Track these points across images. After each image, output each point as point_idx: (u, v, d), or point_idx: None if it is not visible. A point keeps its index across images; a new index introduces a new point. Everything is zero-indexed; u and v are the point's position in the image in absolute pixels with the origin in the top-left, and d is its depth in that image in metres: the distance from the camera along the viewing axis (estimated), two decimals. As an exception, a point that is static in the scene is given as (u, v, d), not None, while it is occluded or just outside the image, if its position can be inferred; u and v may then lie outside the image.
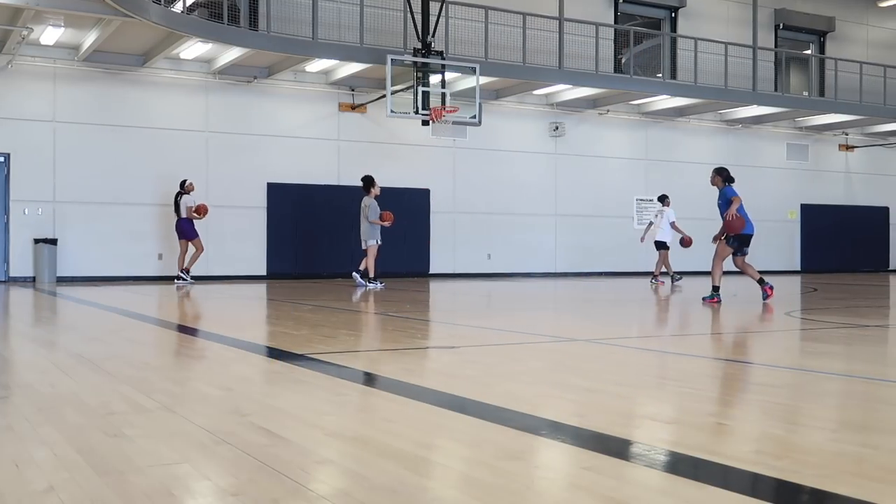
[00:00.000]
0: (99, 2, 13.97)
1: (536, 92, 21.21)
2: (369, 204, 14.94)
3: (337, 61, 18.17)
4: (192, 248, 16.72)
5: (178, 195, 16.59)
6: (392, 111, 17.39)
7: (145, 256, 17.83)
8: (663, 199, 17.77)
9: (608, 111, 22.56)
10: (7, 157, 16.94)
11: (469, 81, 18.08)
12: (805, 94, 25.70)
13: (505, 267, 21.42)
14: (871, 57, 25.85)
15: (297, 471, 2.63)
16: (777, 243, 24.63)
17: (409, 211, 19.46)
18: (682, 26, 23.54)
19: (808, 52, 26.31)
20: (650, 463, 2.78)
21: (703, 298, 11.15)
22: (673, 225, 17.13)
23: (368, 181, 15.06)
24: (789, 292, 14.47)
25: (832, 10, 26.02)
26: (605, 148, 22.76)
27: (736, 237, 11.13)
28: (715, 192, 11.36)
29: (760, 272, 11.53)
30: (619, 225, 22.88)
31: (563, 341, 6.85)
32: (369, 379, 4.73)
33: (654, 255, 17.90)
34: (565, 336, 7.37)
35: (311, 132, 19.42)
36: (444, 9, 18.06)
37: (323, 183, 19.39)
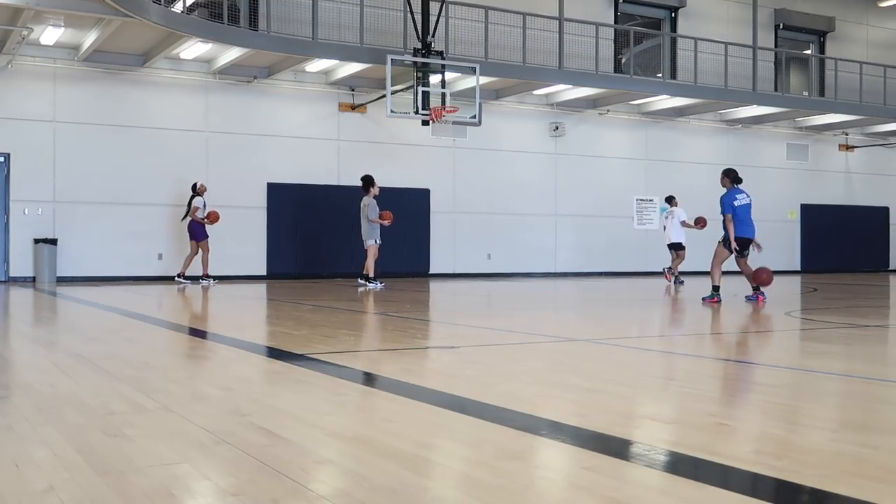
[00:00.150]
0: (99, 2, 13.97)
1: (536, 92, 21.21)
2: (368, 203, 14.94)
3: (337, 61, 18.17)
4: (201, 251, 16.68)
5: (191, 197, 16.58)
6: (392, 111, 17.39)
7: (145, 256, 17.83)
8: (670, 200, 17.75)
9: (608, 111, 22.56)
10: (7, 157, 16.93)
11: (469, 81, 18.08)
12: (805, 94, 25.70)
13: (505, 267, 21.42)
14: (871, 57, 25.85)
15: (297, 471, 2.63)
16: (777, 243, 24.60)
17: (409, 211, 19.45)
18: (682, 26, 23.54)
19: (808, 52, 26.32)
20: (650, 463, 2.78)
21: (703, 298, 11.15)
22: (684, 223, 17.13)
23: (368, 181, 15.06)
24: (789, 292, 14.46)
25: (832, 10, 26.02)
26: (605, 148, 22.76)
27: (736, 241, 11.13)
28: (719, 192, 11.38)
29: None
30: (619, 225, 22.89)
31: (563, 341, 6.85)
32: (369, 379, 4.73)
33: (666, 257, 17.88)
34: (565, 336, 7.37)
35: (311, 132, 19.42)
36: (444, 9, 18.06)
37: (323, 183, 19.39)
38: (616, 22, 22.66)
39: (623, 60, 22.70)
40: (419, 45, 17.68)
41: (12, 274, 16.90)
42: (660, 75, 23.02)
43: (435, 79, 17.61)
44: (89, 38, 16.20)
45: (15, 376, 4.78)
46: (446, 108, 17.42)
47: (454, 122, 18.26)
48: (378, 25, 18.58)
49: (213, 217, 16.41)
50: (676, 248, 17.19)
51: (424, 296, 13.59)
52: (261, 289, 15.00)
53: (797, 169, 25.72)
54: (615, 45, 22.43)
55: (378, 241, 14.97)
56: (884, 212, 27.26)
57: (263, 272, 18.85)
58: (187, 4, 16.01)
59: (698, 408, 3.82)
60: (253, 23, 18.25)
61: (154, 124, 17.98)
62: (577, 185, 22.35)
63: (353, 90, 19.63)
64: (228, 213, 18.20)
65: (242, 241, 18.58)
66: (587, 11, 21.49)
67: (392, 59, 17.13)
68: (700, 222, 16.74)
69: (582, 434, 3.18)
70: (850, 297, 13.52)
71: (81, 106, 17.41)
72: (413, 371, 5.08)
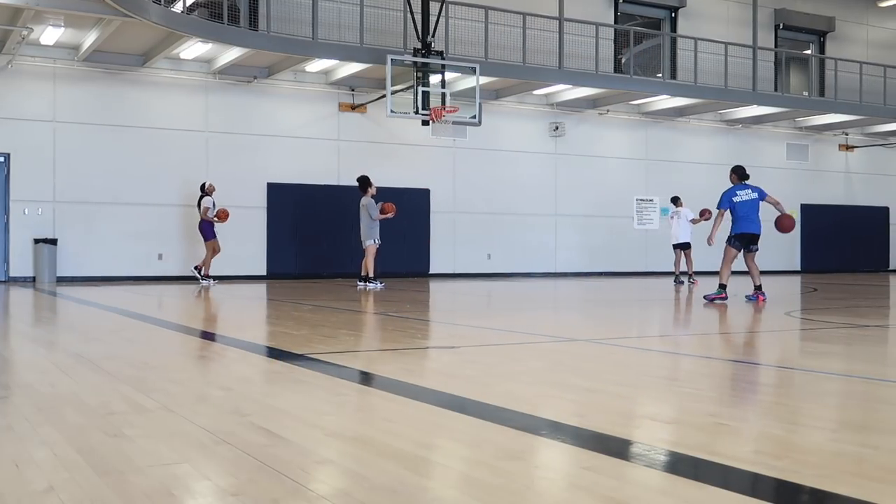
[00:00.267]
0: (99, 2, 13.97)
1: (536, 92, 21.21)
2: (367, 203, 14.95)
3: (337, 61, 18.17)
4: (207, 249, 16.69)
5: (200, 197, 16.59)
6: (392, 111, 17.39)
7: (145, 256, 17.83)
8: (676, 201, 17.77)
9: (608, 111, 22.56)
10: (7, 157, 16.94)
11: (469, 81, 18.09)
12: (805, 94, 25.70)
13: (505, 267, 21.43)
14: (871, 57, 25.85)
15: (297, 471, 2.63)
16: (777, 243, 24.48)
17: (409, 211, 19.46)
18: (682, 26, 23.54)
19: (808, 52, 26.32)
20: (650, 463, 2.78)
21: (705, 297, 11.15)
22: (694, 221, 17.17)
23: (364, 181, 15.07)
24: (789, 292, 14.46)
25: (832, 10, 26.03)
26: (605, 148, 22.76)
27: (737, 237, 11.13)
28: (719, 191, 11.38)
29: (762, 272, 11.53)
30: (619, 225, 22.90)
31: (563, 341, 6.85)
32: (369, 379, 4.73)
33: (666, 257, 17.88)
34: (565, 336, 7.37)
35: (311, 132, 19.43)
36: (444, 9, 18.06)
37: (323, 183, 19.39)
38: (616, 22, 22.66)
39: (623, 60, 22.70)
40: (419, 45, 17.69)
41: (12, 274, 16.91)
42: (660, 75, 23.03)
43: (435, 79, 17.61)
44: (89, 38, 16.20)
45: (15, 376, 4.78)
46: (446, 108, 17.43)
47: (454, 122, 18.27)
48: (378, 25, 18.58)
49: (223, 215, 16.43)
50: (684, 247, 17.27)
51: (424, 296, 13.59)
52: (261, 289, 15.00)
53: (797, 169, 25.72)
54: (615, 45, 22.44)
55: (377, 242, 14.95)
56: (884, 212, 27.26)
57: (263, 272, 18.85)
58: (187, 4, 16.01)
59: (698, 408, 3.82)
60: (253, 23, 18.25)
61: (154, 124, 17.99)
62: (577, 185, 22.35)
63: (353, 90, 19.64)
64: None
65: (242, 241, 18.58)
66: (587, 11, 21.49)
67: (392, 59, 17.13)
68: (705, 213, 16.69)
69: (582, 434, 3.18)
70: (850, 297, 13.52)
71: (81, 106, 17.42)
72: (413, 371, 5.08)
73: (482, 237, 21.20)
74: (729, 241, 11.18)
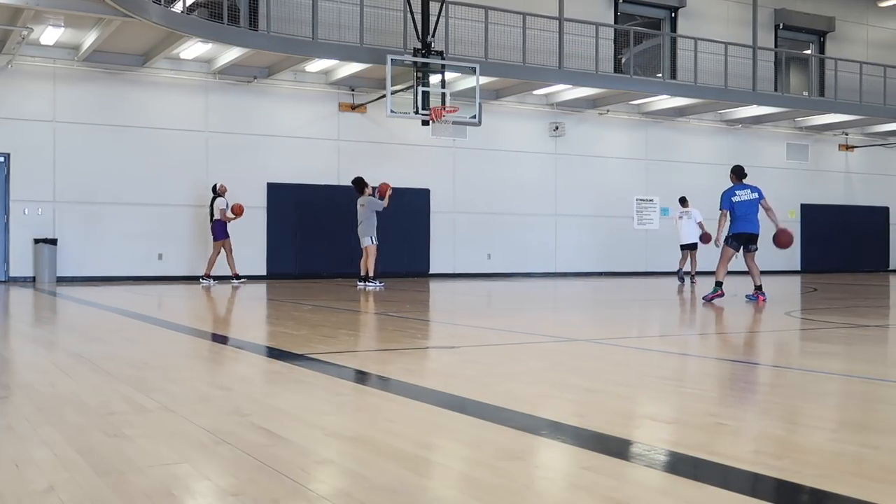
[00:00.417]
0: (99, 2, 13.97)
1: (536, 92, 21.21)
2: (367, 202, 14.95)
3: (337, 61, 18.17)
4: (223, 251, 16.68)
5: (213, 199, 16.59)
6: (392, 111, 17.39)
7: (145, 256, 17.83)
8: (683, 201, 17.76)
9: (608, 111, 22.56)
10: (7, 157, 16.94)
11: (469, 81, 18.08)
12: (805, 94, 25.70)
13: (505, 267, 21.42)
14: (871, 57, 25.85)
15: (297, 471, 2.63)
16: (777, 243, 24.60)
17: (409, 211, 19.47)
18: (682, 26, 23.54)
19: (808, 52, 26.32)
20: (650, 463, 2.78)
21: (704, 298, 11.15)
22: (700, 225, 17.18)
23: (359, 182, 15.09)
24: (789, 292, 14.47)
25: (832, 10, 26.02)
26: (605, 148, 22.76)
27: (734, 237, 11.13)
28: (719, 191, 11.38)
29: (762, 272, 11.52)
30: (619, 225, 22.89)
31: (563, 341, 6.85)
32: (369, 379, 4.73)
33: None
34: (565, 336, 7.37)
35: (311, 132, 19.42)
36: (444, 9, 18.06)
37: (323, 183, 19.39)
38: (616, 22, 22.66)
39: (623, 60, 22.70)
40: (419, 45, 17.68)
41: (12, 274, 16.90)
42: (660, 75, 23.02)
43: (435, 79, 17.61)
44: (89, 38, 16.20)
45: (15, 376, 4.78)
46: (446, 108, 17.42)
47: (454, 122, 18.25)
48: (378, 25, 18.58)
49: (238, 210, 16.49)
50: (691, 248, 17.30)
51: (424, 296, 13.59)
52: (261, 289, 15.00)
53: (797, 169, 25.72)
54: (615, 45, 22.43)
55: (375, 241, 14.94)
56: (884, 212, 27.26)
57: (263, 272, 18.85)
58: (187, 4, 16.01)
59: (698, 408, 3.82)
60: (253, 23, 18.25)
61: (154, 124, 17.99)
62: (577, 185, 22.35)
63: (353, 90, 19.64)
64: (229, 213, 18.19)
65: (242, 242, 18.52)
66: (587, 11, 21.49)
67: (392, 59, 17.13)
68: (706, 238, 16.61)
69: (582, 434, 3.18)
70: (850, 297, 13.52)
71: (81, 106, 17.42)
72: (413, 371, 5.08)
73: (482, 237, 21.20)
74: (726, 240, 11.18)
